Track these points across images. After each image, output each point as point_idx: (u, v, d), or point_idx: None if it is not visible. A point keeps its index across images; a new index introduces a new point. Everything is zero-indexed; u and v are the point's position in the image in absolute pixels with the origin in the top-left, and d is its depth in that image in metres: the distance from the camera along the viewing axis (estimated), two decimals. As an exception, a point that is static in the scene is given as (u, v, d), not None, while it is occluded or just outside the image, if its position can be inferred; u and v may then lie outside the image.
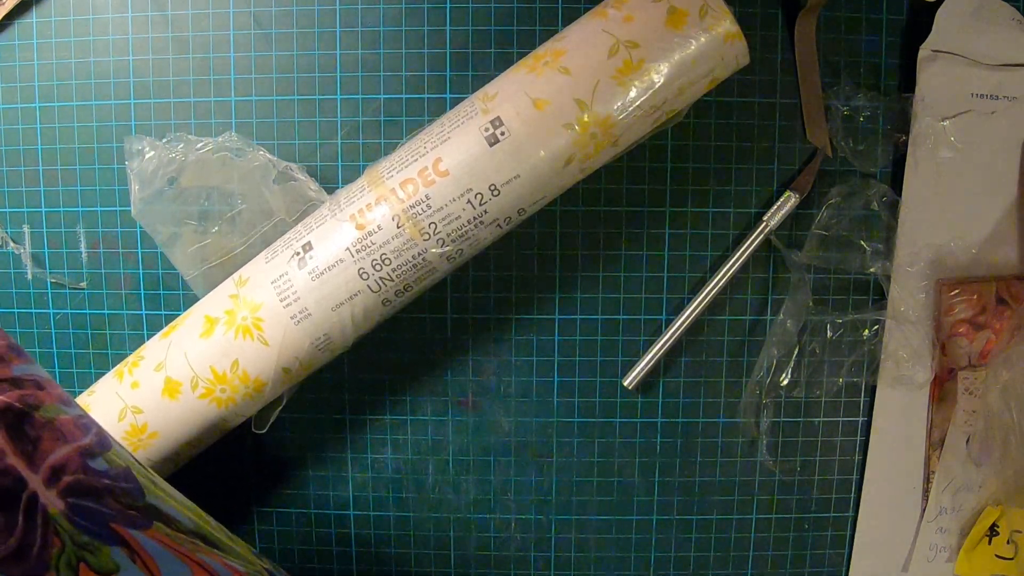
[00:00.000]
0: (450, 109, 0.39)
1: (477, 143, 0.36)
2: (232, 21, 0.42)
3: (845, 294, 0.43)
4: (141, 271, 0.44)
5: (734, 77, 0.39)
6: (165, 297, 0.44)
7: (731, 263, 0.42)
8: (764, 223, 0.42)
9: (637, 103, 0.36)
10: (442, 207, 0.36)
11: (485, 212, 0.36)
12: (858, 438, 0.44)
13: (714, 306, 0.43)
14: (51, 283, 0.44)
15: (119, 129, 0.43)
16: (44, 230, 0.44)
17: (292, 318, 0.36)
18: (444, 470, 0.44)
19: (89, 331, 0.44)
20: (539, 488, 0.44)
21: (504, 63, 0.39)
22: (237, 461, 0.44)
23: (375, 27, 0.42)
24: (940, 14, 0.41)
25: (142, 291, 0.44)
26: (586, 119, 0.35)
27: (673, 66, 0.35)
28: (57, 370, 0.44)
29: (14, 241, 0.44)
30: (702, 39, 0.35)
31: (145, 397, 0.37)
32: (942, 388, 0.43)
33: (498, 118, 0.36)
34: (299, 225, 0.38)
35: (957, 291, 0.43)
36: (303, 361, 0.38)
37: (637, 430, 0.44)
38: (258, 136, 0.43)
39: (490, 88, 0.37)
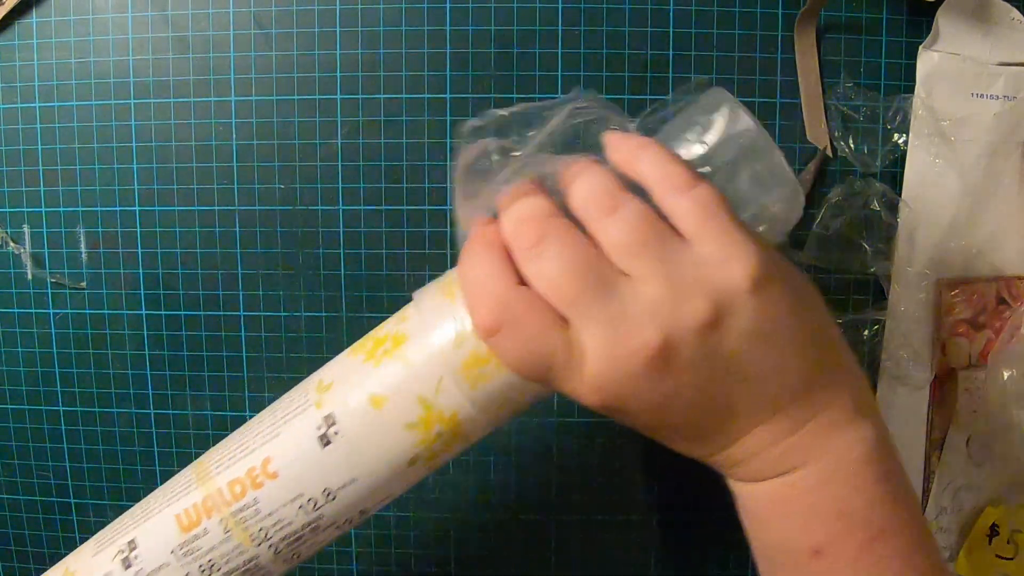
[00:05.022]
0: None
1: (308, 442, 0.31)
2: (232, 21, 0.42)
3: (845, 294, 0.43)
4: (141, 271, 0.44)
5: (734, 77, 0.39)
6: (165, 297, 0.44)
7: (731, 263, 0.42)
8: (764, 223, 0.42)
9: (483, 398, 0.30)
10: (271, 512, 0.32)
11: (320, 517, 0.32)
12: (858, 438, 0.44)
13: (714, 306, 0.43)
14: (51, 283, 0.44)
15: (119, 129, 0.43)
16: (44, 230, 0.44)
17: None
18: (444, 470, 0.44)
19: (89, 331, 0.44)
20: (539, 488, 0.44)
21: (504, 63, 0.39)
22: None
23: (375, 27, 0.42)
24: (940, 14, 0.41)
25: (142, 291, 0.44)
26: (429, 418, 0.31)
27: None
28: (57, 370, 0.44)
29: (14, 241, 0.44)
30: None
31: None
32: (942, 388, 0.43)
33: (331, 414, 0.31)
34: (126, 514, 0.34)
35: (957, 291, 0.43)
36: None
37: (637, 430, 0.44)
38: (258, 136, 0.43)
39: (325, 375, 0.33)
